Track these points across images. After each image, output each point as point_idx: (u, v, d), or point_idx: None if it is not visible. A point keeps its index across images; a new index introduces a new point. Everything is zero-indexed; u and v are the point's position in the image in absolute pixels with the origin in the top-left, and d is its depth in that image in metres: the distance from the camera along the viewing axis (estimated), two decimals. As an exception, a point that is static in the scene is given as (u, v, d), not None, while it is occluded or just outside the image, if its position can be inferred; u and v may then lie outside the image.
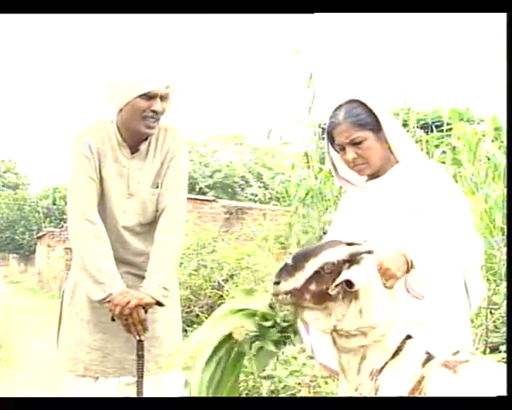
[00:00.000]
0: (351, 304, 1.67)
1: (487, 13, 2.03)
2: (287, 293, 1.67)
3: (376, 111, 1.93)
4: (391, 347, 1.67)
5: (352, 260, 1.68)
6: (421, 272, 1.76)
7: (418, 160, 1.98)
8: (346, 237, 1.96)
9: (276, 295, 1.70)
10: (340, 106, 1.95)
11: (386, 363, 1.65)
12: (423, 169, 1.92)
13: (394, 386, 1.62)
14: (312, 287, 1.66)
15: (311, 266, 1.67)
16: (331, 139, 1.99)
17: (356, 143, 1.92)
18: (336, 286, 1.65)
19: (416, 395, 1.59)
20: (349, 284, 1.63)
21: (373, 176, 1.99)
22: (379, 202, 1.94)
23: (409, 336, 1.69)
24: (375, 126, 1.92)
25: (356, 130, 1.91)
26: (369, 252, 1.69)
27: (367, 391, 1.66)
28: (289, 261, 1.71)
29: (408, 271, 1.76)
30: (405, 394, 1.60)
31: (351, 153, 1.93)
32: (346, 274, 1.65)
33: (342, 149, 1.95)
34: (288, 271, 1.69)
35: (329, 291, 1.65)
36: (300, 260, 1.70)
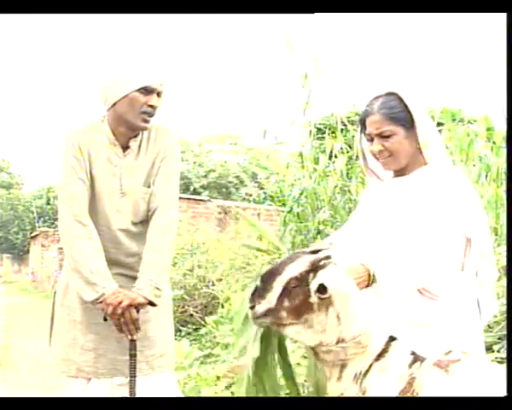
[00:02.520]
0: (328, 312, 1.65)
1: (487, 13, 2.04)
2: (264, 315, 1.67)
3: (412, 108, 1.88)
4: (373, 350, 1.65)
5: (316, 267, 1.66)
6: (382, 286, 1.74)
7: (446, 166, 1.92)
8: (362, 231, 1.94)
9: (254, 318, 1.70)
10: (379, 96, 1.92)
11: (370, 365, 1.64)
12: (449, 177, 1.86)
13: (382, 388, 1.60)
14: (286, 304, 1.65)
15: (278, 285, 1.66)
16: (363, 128, 1.96)
17: (384, 137, 1.88)
18: (315, 293, 1.63)
19: (409, 396, 1.59)
20: (322, 289, 1.62)
21: (399, 173, 1.96)
22: (399, 201, 1.90)
23: (392, 338, 1.68)
24: (408, 123, 1.88)
25: (387, 123, 1.87)
26: (327, 257, 1.67)
27: (352, 395, 1.64)
28: (258, 283, 1.71)
29: (369, 285, 1.73)
30: (395, 395, 1.59)
31: (377, 145, 1.90)
32: (317, 280, 1.63)
33: (371, 139, 1.92)
34: (259, 293, 1.69)
35: (310, 300, 1.64)
36: (268, 280, 1.69)
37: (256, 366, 1.84)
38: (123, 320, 2.03)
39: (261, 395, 1.92)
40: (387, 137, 1.88)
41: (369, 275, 1.73)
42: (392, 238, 1.83)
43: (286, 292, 1.65)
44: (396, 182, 1.96)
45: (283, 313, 1.66)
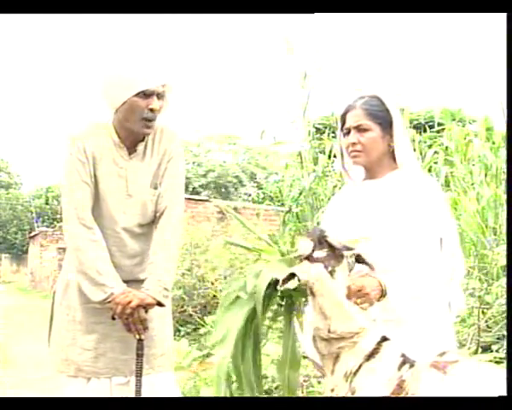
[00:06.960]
0: (313, 302, 1.71)
1: (487, 13, 2.05)
2: None
3: (392, 110, 1.96)
4: (365, 348, 1.66)
5: (308, 257, 1.71)
6: (392, 302, 1.78)
7: (416, 171, 1.99)
8: (333, 233, 2.00)
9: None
10: (362, 97, 1.99)
11: (360, 365, 1.64)
12: (419, 183, 1.92)
13: (371, 388, 1.60)
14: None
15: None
16: (343, 123, 2.02)
17: (361, 130, 1.95)
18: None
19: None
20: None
21: (370, 176, 2.00)
22: (370, 204, 1.95)
23: (384, 339, 1.69)
24: (386, 124, 1.95)
25: (366, 118, 1.94)
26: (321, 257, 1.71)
27: (342, 393, 1.65)
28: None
29: (380, 298, 1.77)
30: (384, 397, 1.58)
31: (354, 137, 1.96)
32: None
33: (348, 132, 1.98)
34: None
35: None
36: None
37: (235, 359, 1.83)
38: (131, 320, 2.04)
39: (239, 392, 1.92)
40: (364, 131, 1.95)
41: (382, 289, 1.77)
42: (370, 244, 1.86)
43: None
44: (368, 185, 2.01)
45: None
